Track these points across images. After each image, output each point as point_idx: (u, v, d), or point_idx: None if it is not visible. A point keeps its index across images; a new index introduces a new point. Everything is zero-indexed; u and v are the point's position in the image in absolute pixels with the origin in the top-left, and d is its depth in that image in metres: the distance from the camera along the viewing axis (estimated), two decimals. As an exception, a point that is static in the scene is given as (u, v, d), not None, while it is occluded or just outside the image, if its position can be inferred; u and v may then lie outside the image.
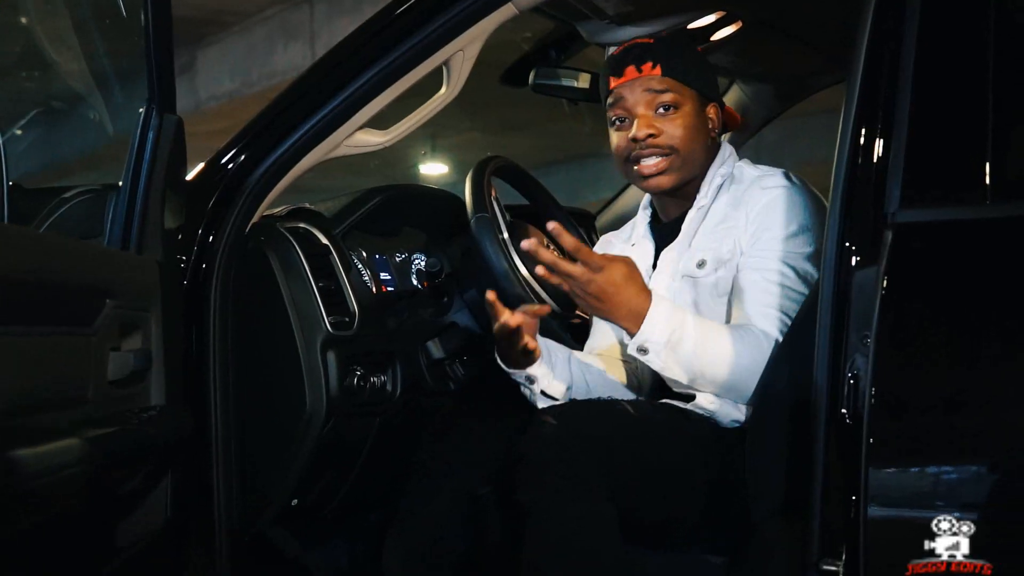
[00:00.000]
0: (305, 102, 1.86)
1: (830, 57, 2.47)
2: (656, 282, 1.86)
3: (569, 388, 1.85)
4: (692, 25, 2.15)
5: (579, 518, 1.54)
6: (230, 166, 1.86)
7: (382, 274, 2.12)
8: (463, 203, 1.99)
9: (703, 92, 1.86)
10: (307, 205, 2.09)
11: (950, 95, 1.40)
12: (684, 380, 1.67)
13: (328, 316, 1.87)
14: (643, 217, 2.01)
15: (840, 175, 1.42)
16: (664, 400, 1.78)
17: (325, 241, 1.97)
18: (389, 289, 2.12)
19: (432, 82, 1.93)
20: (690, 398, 1.72)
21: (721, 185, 1.86)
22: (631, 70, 1.83)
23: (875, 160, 1.40)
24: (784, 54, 2.48)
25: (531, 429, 1.61)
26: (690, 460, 1.66)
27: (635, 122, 1.82)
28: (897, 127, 1.39)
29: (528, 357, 1.79)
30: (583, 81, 2.40)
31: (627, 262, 1.62)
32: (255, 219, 1.90)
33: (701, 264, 1.81)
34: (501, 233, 1.99)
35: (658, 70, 1.81)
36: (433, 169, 12.19)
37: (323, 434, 1.87)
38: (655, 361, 1.65)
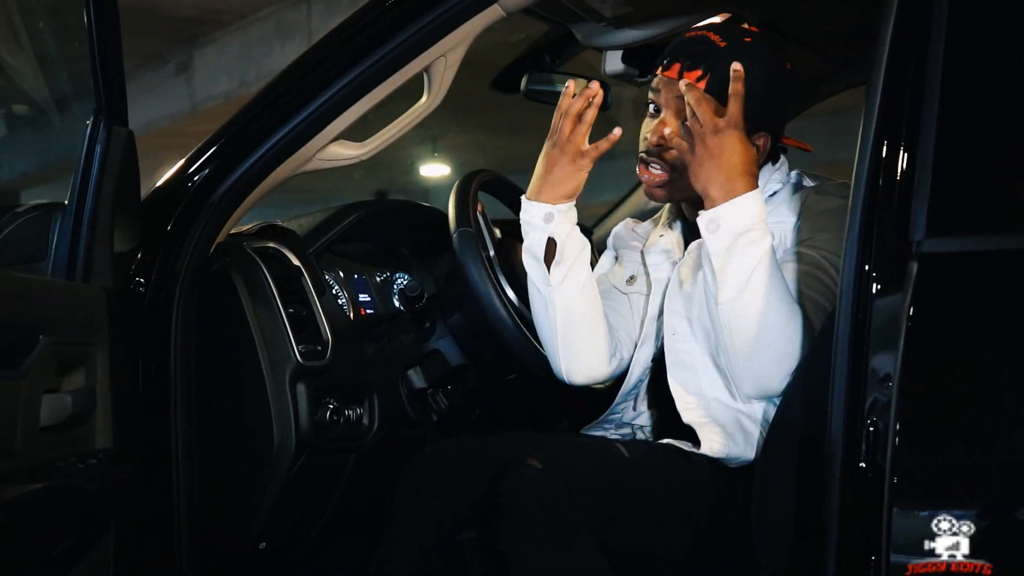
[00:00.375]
0: (274, 112, 1.72)
1: (840, 61, 2.34)
2: (681, 273, 1.71)
3: (576, 269, 1.68)
4: (695, 27, 2.01)
5: (564, 569, 1.41)
6: (193, 181, 1.73)
7: (361, 295, 1.98)
8: None
9: (751, 121, 1.62)
10: (278, 222, 1.95)
11: (984, 105, 1.25)
12: (728, 290, 1.49)
13: (298, 345, 1.73)
14: (671, 211, 1.85)
15: (859, 196, 1.27)
16: (667, 441, 1.62)
17: (296, 262, 1.82)
18: (369, 312, 1.98)
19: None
20: (697, 442, 1.57)
21: (775, 192, 1.70)
22: (676, 69, 1.62)
23: (898, 180, 1.24)
24: (793, 59, 2.33)
25: (514, 471, 1.47)
26: (685, 507, 1.52)
27: (658, 120, 1.66)
28: (923, 141, 1.23)
29: (577, 173, 1.64)
30: (579, 88, 2.24)
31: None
32: (220, 238, 1.76)
33: None
34: (487, 250, 1.85)
35: (703, 84, 1.60)
36: (434, 170, 12.11)
37: (293, 472, 1.74)
38: (718, 244, 1.49)
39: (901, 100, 1.25)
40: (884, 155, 1.25)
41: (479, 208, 1.90)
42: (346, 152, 1.80)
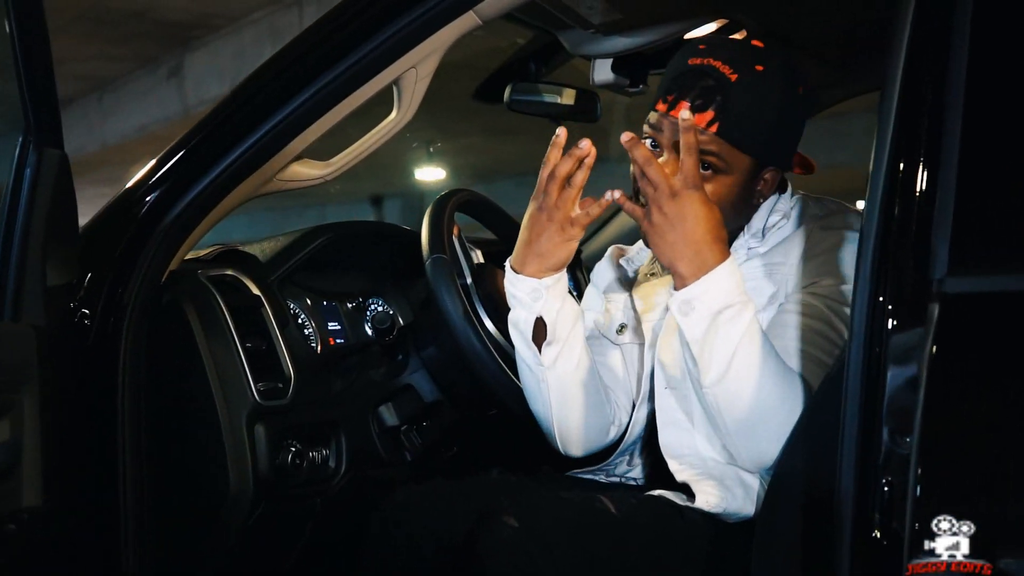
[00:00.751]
0: (230, 129, 1.57)
1: (841, 68, 2.21)
2: (673, 323, 1.54)
3: (569, 347, 1.51)
4: (689, 35, 1.89)
5: None
6: (142, 204, 1.59)
7: (330, 324, 1.84)
8: None
9: (762, 159, 1.48)
10: (239, 247, 1.81)
11: (1015, 120, 1.09)
12: (712, 373, 1.34)
13: (256, 383, 1.60)
14: None
15: (872, 227, 1.11)
16: (658, 492, 1.48)
17: (256, 291, 1.69)
18: (338, 341, 1.83)
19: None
20: (692, 495, 1.43)
21: (776, 224, 1.53)
22: (685, 107, 1.40)
23: (916, 208, 1.09)
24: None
25: (488, 528, 1.33)
26: (678, 568, 1.38)
27: (664, 161, 1.45)
28: (945, 163, 1.08)
29: (566, 243, 1.45)
30: (567, 97, 2.12)
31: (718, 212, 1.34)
32: (173, 266, 1.62)
33: None
34: (463, 278, 1.71)
35: (714, 127, 1.42)
36: (430, 174, 12.01)
37: (251, 520, 1.61)
38: (694, 328, 1.33)
39: (919, 114, 1.10)
40: (900, 179, 1.10)
41: (455, 232, 1.77)
42: (309, 172, 1.67)
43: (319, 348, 1.77)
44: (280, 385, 1.64)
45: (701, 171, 1.43)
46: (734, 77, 1.43)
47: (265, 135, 1.55)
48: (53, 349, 1.38)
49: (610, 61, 2.00)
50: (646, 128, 1.49)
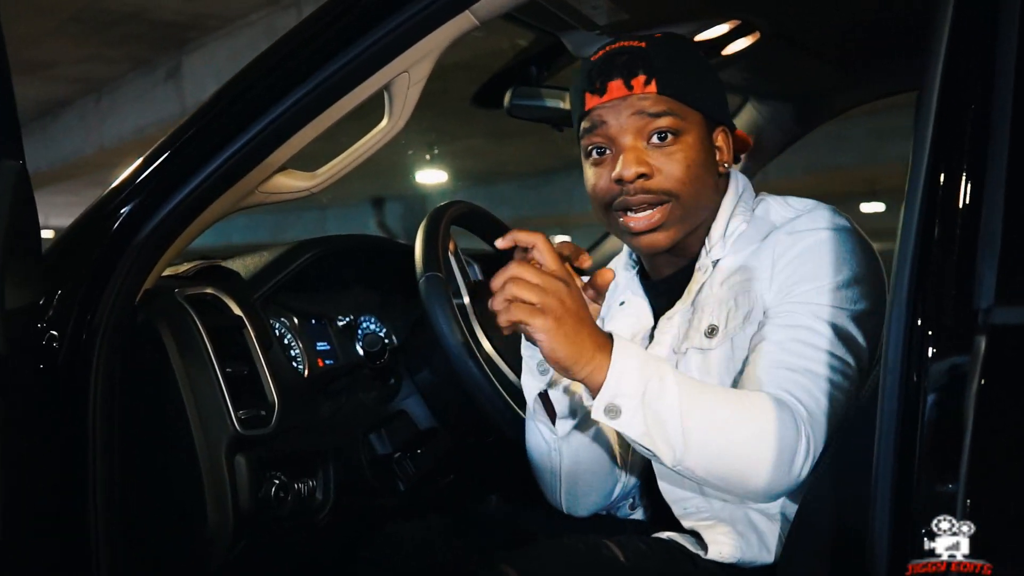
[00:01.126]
0: (208, 138, 1.47)
1: (854, 72, 2.13)
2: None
3: (585, 420, 1.40)
4: (701, 36, 1.79)
5: None
6: (115, 217, 1.48)
7: (319, 344, 1.73)
8: None
9: (710, 114, 1.42)
10: (221, 263, 1.70)
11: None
12: (671, 452, 1.19)
13: (237, 410, 1.49)
14: (626, 268, 1.56)
15: (908, 248, 1.00)
16: (668, 535, 1.36)
17: (238, 311, 1.57)
18: (327, 363, 1.73)
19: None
20: (703, 542, 1.31)
21: (738, 230, 1.42)
22: (617, 85, 1.37)
23: (958, 227, 0.98)
24: (806, 70, 2.12)
25: None
26: None
27: (621, 157, 1.37)
28: (991, 176, 0.97)
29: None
30: (569, 102, 2.01)
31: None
32: (148, 284, 1.51)
33: (711, 331, 1.37)
34: (460, 297, 1.60)
35: (653, 86, 1.36)
36: (431, 176, 11.93)
37: (231, 558, 1.50)
38: (631, 425, 1.17)
39: (962, 121, 0.99)
40: (940, 195, 0.99)
41: (451, 247, 1.65)
42: (294, 184, 1.55)
43: (306, 371, 1.66)
44: (263, 412, 1.53)
45: (659, 142, 1.38)
46: (643, 44, 1.40)
47: (245, 145, 1.45)
48: (13, 376, 1.27)
49: (616, 64, 1.91)
50: (586, 139, 1.42)
